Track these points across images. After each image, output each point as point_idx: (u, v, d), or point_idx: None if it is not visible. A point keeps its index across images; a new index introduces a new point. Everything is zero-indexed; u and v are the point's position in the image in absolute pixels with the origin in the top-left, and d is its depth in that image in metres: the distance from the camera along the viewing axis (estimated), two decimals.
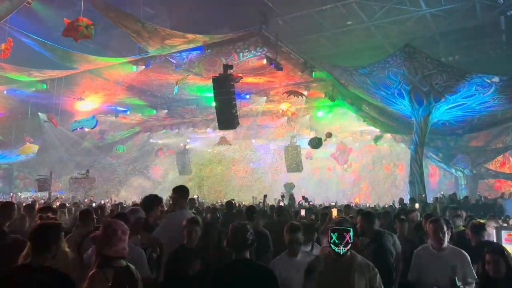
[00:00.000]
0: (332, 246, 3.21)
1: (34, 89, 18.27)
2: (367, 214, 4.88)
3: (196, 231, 4.09)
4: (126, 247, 2.86)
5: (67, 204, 12.17)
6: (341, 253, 3.19)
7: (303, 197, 15.05)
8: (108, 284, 2.67)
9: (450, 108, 14.64)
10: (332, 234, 3.22)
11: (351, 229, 3.28)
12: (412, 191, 14.60)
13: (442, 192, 17.61)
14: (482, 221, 5.07)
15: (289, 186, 24.77)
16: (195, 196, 10.31)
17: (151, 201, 4.84)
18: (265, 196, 11.50)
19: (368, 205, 18.78)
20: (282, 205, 11.62)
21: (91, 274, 2.73)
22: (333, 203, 16.84)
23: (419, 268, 4.01)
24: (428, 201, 13.29)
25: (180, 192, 4.94)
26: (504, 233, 4.46)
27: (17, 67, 14.89)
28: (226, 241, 3.28)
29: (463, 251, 3.97)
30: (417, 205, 10.25)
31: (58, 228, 2.98)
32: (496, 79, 12.52)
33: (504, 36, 16.84)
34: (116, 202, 14.74)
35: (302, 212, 7.53)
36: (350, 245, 3.21)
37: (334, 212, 6.75)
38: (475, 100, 13.95)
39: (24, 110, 21.24)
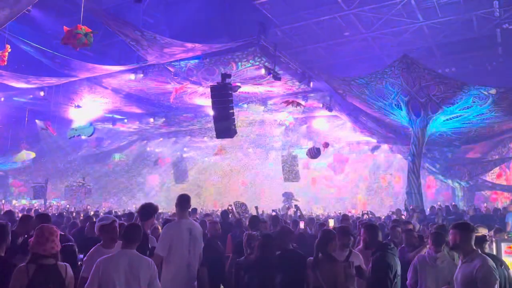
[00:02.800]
0: None
1: (31, 96, 18.22)
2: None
3: None
4: (54, 247, 3.32)
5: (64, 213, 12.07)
6: None
7: (296, 206, 14.85)
8: (27, 277, 3.13)
9: (447, 119, 14.72)
10: None
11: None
12: (409, 202, 14.59)
13: (439, 203, 17.60)
14: (481, 233, 5.04)
15: (288, 196, 24.72)
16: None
17: (148, 210, 4.84)
18: (256, 208, 11.48)
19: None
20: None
21: (17, 268, 3.23)
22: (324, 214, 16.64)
23: None
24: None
25: (180, 200, 4.90)
26: (503, 246, 4.44)
27: (15, 74, 14.87)
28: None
29: None
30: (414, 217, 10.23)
31: None
32: (493, 91, 12.61)
33: (500, 49, 16.98)
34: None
35: (301, 225, 7.26)
36: None
37: (331, 222, 6.71)
38: (472, 112, 14.04)
39: (21, 117, 21.16)
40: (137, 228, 3.85)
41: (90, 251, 4.01)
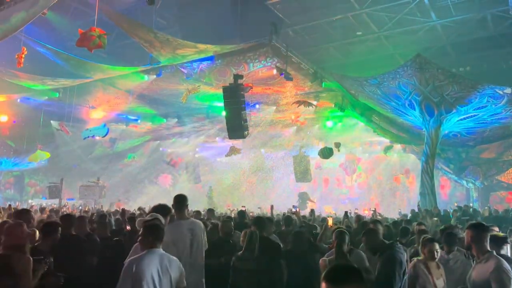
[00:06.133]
0: None
1: (47, 97, 18.55)
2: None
3: None
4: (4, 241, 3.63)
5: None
6: None
7: (312, 210, 14.55)
8: None
9: (461, 119, 14.54)
10: None
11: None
12: (423, 203, 14.44)
13: (456, 204, 17.36)
14: (501, 234, 4.95)
15: (303, 196, 24.70)
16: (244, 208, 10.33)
17: (161, 210, 4.89)
18: (271, 207, 11.54)
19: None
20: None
21: None
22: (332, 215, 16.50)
23: None
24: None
25: (177, 201, 4.87)
26: None
27: (31, 75, 15.14)
28: None
29: None
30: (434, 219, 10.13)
31: None
32: (508, 90, 12.42)
33: None
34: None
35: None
36: None
37: (330, 221, 6.71)
38: (487, 112, 13.83)
39: (37, 118, 21.52)
40: (162, 228, 3.94)
41: (135, 245, 4.08)
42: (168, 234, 4.49)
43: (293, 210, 11.23)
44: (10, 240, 3.61)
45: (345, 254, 4.32)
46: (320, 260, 4.41)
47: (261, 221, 5.95)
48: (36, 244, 4.30)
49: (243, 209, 8.82)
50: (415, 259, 4.34)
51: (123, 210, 10.59)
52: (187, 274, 4.39)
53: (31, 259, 3.61)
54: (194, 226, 4.81)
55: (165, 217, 4.80)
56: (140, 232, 3.77)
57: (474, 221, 4.27)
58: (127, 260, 3.63)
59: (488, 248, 3.68)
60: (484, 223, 4.14)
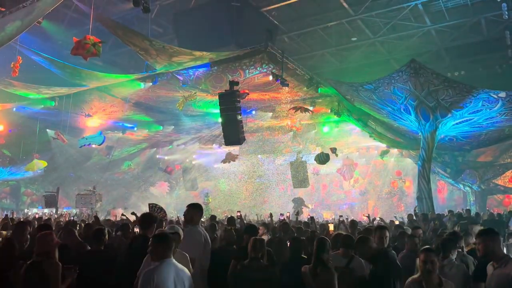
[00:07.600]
0: None
1: (42, 106, 18.49)
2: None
3: None
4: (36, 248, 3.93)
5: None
6: None
7: (312, 218, 14.23)
8: (19, 274, 3.82)
9: (457, 123, 14.58)
10: None
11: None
12: (420, 207, 14.43)
13: (448, 211, 17.35)
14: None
15: (299, 201, 24.62)
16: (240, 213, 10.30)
17: (149, 218, 5.03)
18: (270, 215, 11.54)
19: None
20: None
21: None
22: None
23: None
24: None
25: (195, 208, 5.06)
26: None
27: (26, 84, 15.10)
28: None
29: None
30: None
31: None
32: (503, 94, 12.48)
33: (510, 51, 16.81)
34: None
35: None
36: None
37: (331, 227, 6.71)
38: (482, 116, 13.89)
39: (33, 127, 21.45)
40: (171, 237, 3.95)
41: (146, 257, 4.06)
42: (188, 238, 4.73)
43: (281, 218, 11.22)
44: (41, 247, 3.91)
45: (323, 262, 4.26)
46: (302, 268, 4.38)
47: (254, 229, 5.98)
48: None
49: (238, 214, 8.76)
50: (410, 278, 3.92)
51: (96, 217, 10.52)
52: (197, 275, 4.51)
53: (60, 264, 3.88)
54: (206, 232, 5.13)
55: (151, 225, 4.84)
56: (150, 243, 3.79)
57: (486, 228, 4.25)
58: (142, 272, 3.64)
59: (504, 252, 3.70)
60: (493, 228, 4.14)
